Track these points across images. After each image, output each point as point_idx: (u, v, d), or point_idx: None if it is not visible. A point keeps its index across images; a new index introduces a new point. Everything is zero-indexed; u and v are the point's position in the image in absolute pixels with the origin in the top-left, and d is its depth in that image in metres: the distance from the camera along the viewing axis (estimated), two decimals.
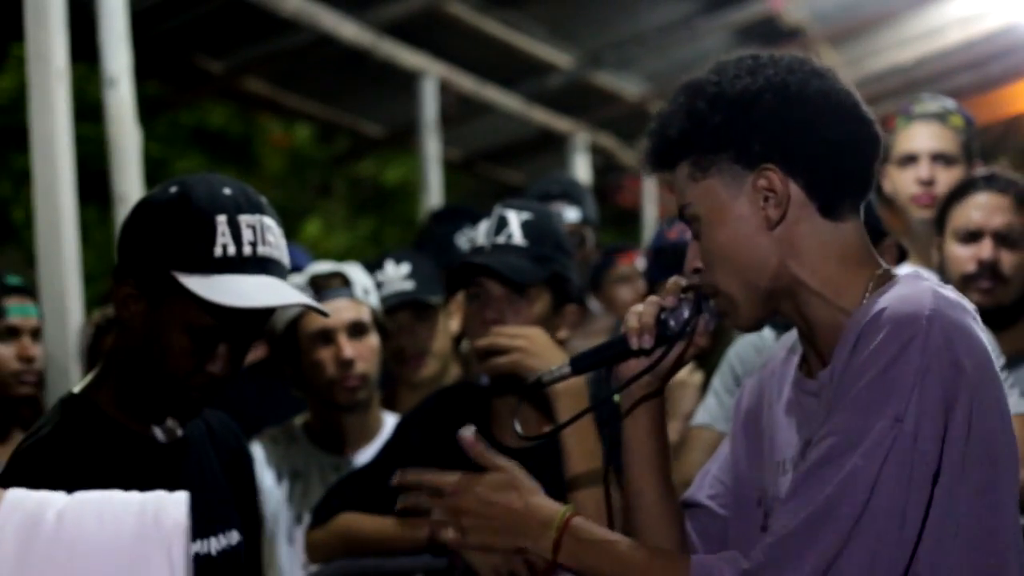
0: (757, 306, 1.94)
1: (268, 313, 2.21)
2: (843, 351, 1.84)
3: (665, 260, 3.72)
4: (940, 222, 3.51)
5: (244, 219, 2.17)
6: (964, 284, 3.41)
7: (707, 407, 3.28)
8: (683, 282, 2.02)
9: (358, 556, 3.00)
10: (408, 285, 3.81)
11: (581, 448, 2.69)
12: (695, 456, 3.18)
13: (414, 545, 2.90)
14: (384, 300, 3.75)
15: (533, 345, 2.73)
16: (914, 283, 1.87)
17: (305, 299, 2.28)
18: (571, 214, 4.62)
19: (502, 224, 2.92)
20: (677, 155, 1.96)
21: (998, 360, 3.05)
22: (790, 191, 1.90)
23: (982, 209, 3.42)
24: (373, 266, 3.87)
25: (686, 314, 2.00)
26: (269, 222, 2.21)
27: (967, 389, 1.80)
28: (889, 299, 1.83)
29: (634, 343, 2.01)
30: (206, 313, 2.14)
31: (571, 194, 4.94)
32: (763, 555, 1.81)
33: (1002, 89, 9.99)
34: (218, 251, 2.15)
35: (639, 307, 2.04)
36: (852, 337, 1.83)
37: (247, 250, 2.17)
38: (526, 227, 2.91)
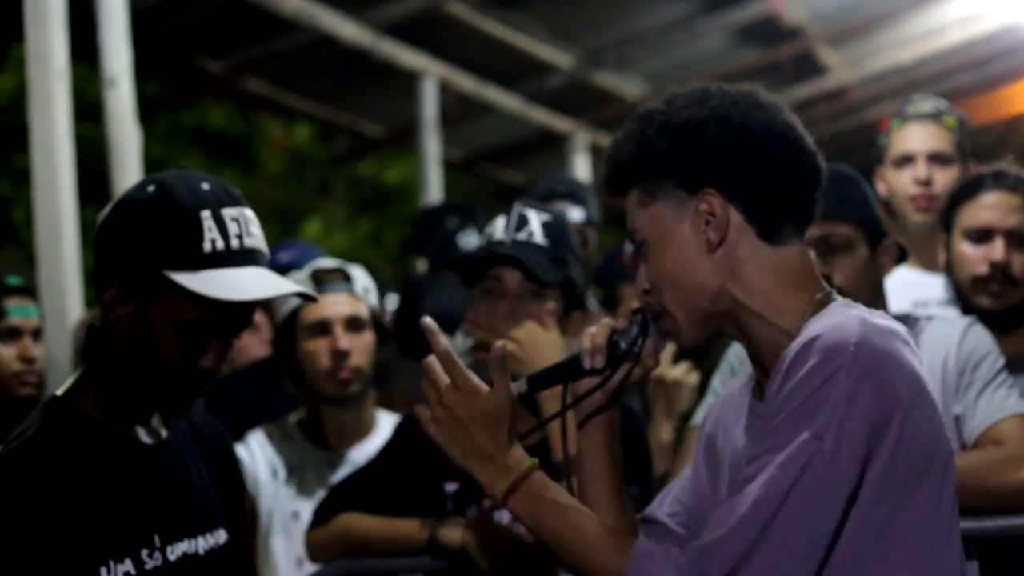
0: (698, 327, 2.02)
1: (256, 304, 2.22)
2: (776, 378, 1.90)
3: None
4: (947, 221, 3.49)
5: (227, 212, 2.18)
6: (974, 286, 3.39)
7: (706, 407, 3.28)
8: (634, 305, 2.11)
9: (358, 556, 3.01)
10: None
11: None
12: None
13: (414, 546, 2.91)
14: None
15: (521, 350, 2.75)
16: (843, 312, 1.93)
17: (297, 287, 2.28)
18: (575, 214, 4.62)
19: (522, 222, 2.92)
20: (628, 181, 2.05)
21: (997, 361, 3.05)
22: (729, 215, 1.99)
23: (993, 208, 3.40)
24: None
25: (636, 336, 2.09)
26: (249, 213, 2.22)
27: (898, 413, 1.85)
28: (818, 328, 1.89)
29: (586, 363, 2.11)
30: (200, 309, 2.15)
31: (576, 194, 4.95)
32: (690, 560, 1.87)
33: (1002, 89, 9.99)
34: (207, 246, 2.15)
35: (593, 329, 2.13)
36: (784, 365, 1.89)
37: (234, 243, 2.18)
38: (546, 228, 2.91)
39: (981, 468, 2.81)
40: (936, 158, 3.88)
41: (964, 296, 3.43)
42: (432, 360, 2.05)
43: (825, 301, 1.99)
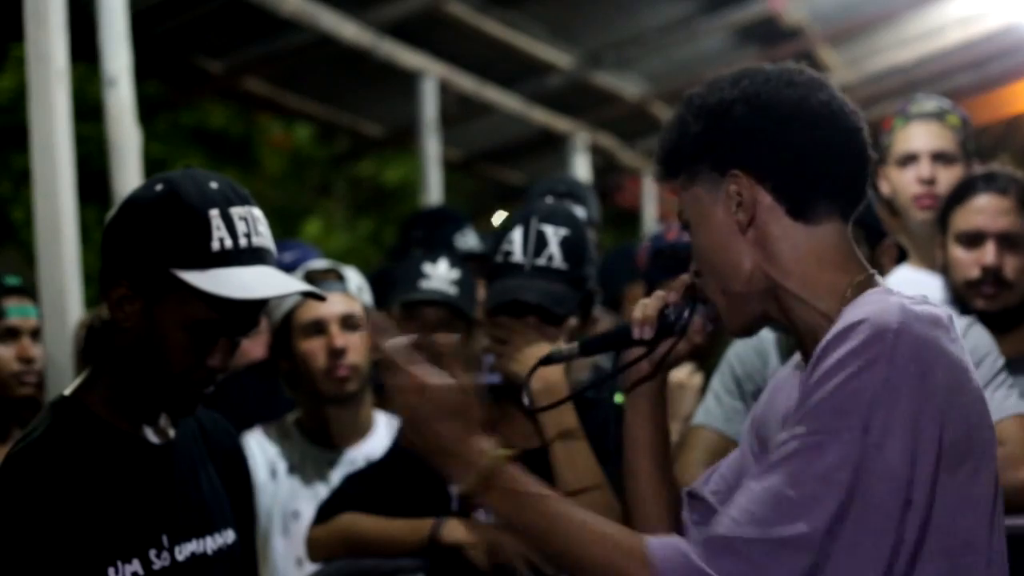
0: (738, 311, 2.02)
1: (263, 303, 2.23)
2: (814, 360, 1.89)
3: (663, 261, 3.73)
4: (942, 223, 3.51)
5: (236, 211, 2.19)
6: (968, 289, 3.40)
7: (706, 407, 3.28)
8: (689, 281, 2.12)
9: (359, 556, 3.01)
10: (452, 290, 3.82)
11: (571, 465, 2.72)
12: (693, 455, 3.18)
13: (414, 546, 2.91)
14: (423, 293, 3.76)
15: (520, 364, 2.75)
16: (884, 298, 1.91)
17: (305, 286, 2.30)
18: (576, 213, 4.63)
19: (541, 242, 2.88)
20: (675, 165, 2.06)
21: (997, 361, 3.05)
22: (757, 196, 1.98)
23: (984, 212, 3.41)
24: (425, 257, 3.89)
25: (686, 312, 2.12)
26: (257, 213, 2.23)
27: (935, 400, 1.83)
28: (858, 314, 1.87)
29: (636, 333, 2.14)
30: (208, 307, 2.15)
31: (576, 194, 4.97)
32: (712, 550, 1.82)
33: (1002, 89, 9.99)
34: (215, 245, 2.16)
35: (646, 300, 2.15)
36: (821, 347, 1.88)
37: (243, 242, 2.18)
38: (565, 246, 2.88)
39: None
40: (939, 157, 3.88)
41: (960, 298, 3.45)
42: (388, 359, 1.97)
43: (866, 284, 1.97)
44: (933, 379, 1.83)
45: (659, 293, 2.14)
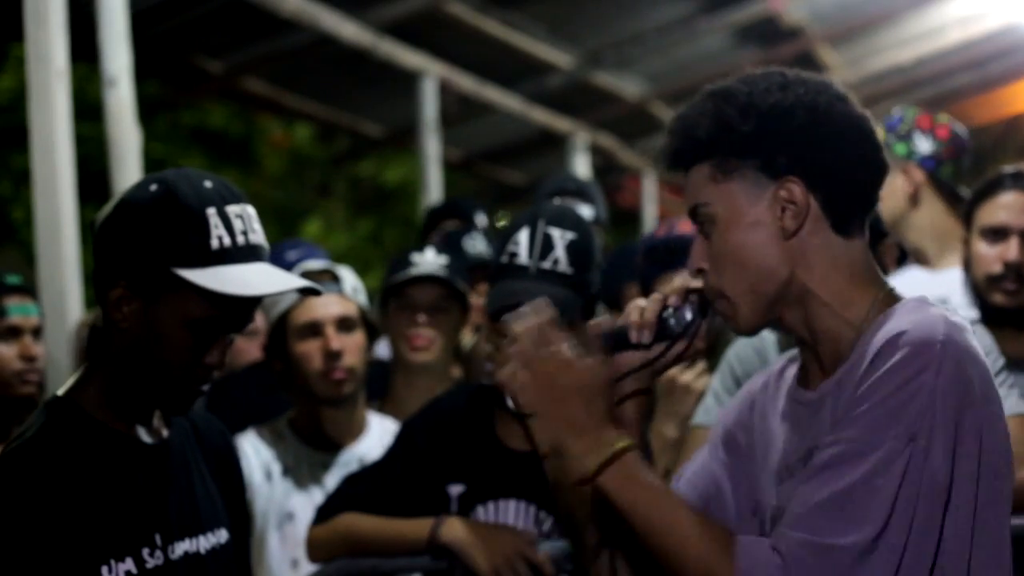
0: (759, 312, 2.00)
1: (259, 300, 2.23)
2: (856, 368, 1.90)
3: (657, 257, 3.72)
4: (967, 218, 3.53)
5: (231, 209, 2.19)
6: (989, 284, 3.43)
7: (706, 407, 3.28)
8: (690, 284, 2.07)
9: (359, 555, 3.01)
10: (442, 272, 3.83)
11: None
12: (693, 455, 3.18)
13: (414, 546, 2.91)
14: (414, 269, 3.78)
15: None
16: (925, 309, 1.94)
17: (304, 282, 2.29)
18: (584, 212, 4.64)
19: (547, 245, 2.87)
20: (699, 156, 2.02)
21: (997, 361, 3.07)
22: (809, 204, 1.97)
23: (1009, 208, 3.45)
24: (413, 248, 3.89)
25: (688, 315, 2.05)
26: (251, 210, 2.24)
27: (975, 406, 1.88)
28: (903, 324, 1.90)
29: (634, 336, 2.07)
30: (209, 305, 2.15)
31: (585, 192, 4.98)
32: (796, 558, 1.84)
33: (1002, 89, 10.00)
34: (215, 243, 2.16)
35: (642, 302, 2.09)
36: (868, 355, 1.89)
37: (240, 239, 2.19)
38: (571, 250, 2.87)
39: None
40: None
41: (980, 293, 3.47)
42: (526, 329, 1.97)
43: (891, 298, 2.00)
44: (974, 385, 1.88)
45: (656, 296, 2.09)
